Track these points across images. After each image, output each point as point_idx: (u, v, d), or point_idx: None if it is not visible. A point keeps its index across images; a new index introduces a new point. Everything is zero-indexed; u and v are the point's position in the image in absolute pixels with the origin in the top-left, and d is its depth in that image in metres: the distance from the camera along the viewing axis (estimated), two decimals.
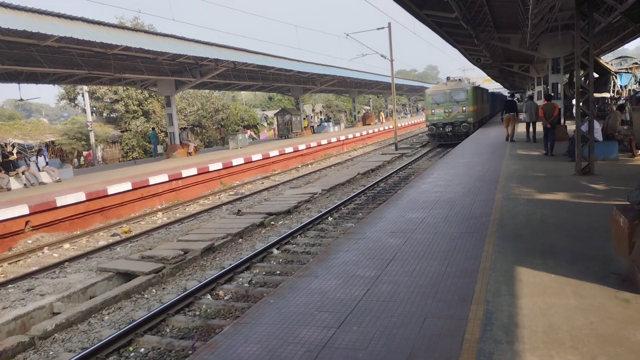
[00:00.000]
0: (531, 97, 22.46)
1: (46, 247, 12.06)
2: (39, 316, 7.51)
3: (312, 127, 45.31)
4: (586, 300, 4.34)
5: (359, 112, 57.53)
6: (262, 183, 21.10)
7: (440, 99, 28.07)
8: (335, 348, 3.92)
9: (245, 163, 22.74)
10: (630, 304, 4.21)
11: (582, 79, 11.25)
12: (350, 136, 37.35)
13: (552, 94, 17.81)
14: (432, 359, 3.61)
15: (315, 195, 15.49)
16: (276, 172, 24.40)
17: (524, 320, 4.04)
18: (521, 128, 23.44)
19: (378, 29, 30.14)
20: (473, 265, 5.53)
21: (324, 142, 31.90)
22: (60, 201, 13.56)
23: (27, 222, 12.75)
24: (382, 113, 65.69)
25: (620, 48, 29.38)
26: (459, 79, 30.40)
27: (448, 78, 30.67)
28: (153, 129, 34.20)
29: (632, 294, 4.39)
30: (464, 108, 27.50)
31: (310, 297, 5.08)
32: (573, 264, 5.26)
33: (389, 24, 29.07)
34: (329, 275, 5.74)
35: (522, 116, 21.63)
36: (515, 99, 24.21)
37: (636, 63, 34.18)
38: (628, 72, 33.88)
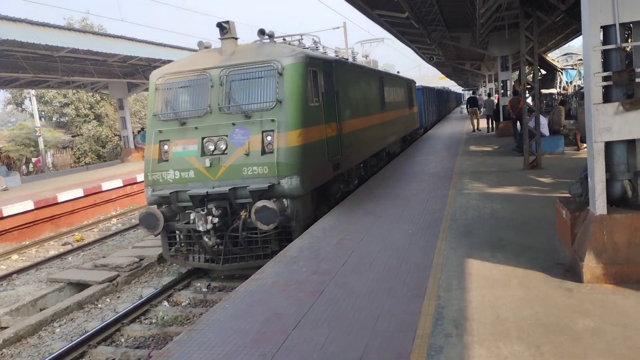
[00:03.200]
0: (489, 95, 25.36)
1: None
2: None
3: None
4: (532, 291, 4.50)
5: None
6: None
7: (193, 105, 8.30)
8: (290, 350, 3.92)
9: None
10: (573, 293, 4.39)
11: (529, 75, 11.66)
12: None
13: (519, 90, 18.53)
14: (385, 355, 3.66)
15: None
16: None
17: (473, 313, 4.15)
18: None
19: (334, 28, 30.33)
20: (426, 261, 5.63)
21: None
22: (7, 210, 12.99)
23: None
24: None
25: (566, 45, 30.61)
26: (266, 36, 8.91)
27: (223, 28, 8.49)
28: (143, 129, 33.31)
29: (575, 283, 4.57)
30: (269, 138, 7.79)
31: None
32: (520, 256, 5.44)
33: (344, 23, 29.30)
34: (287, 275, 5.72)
35: (482, 110, 26.15)
36: (475, 95, 27.16)
37: (581, 59, 35.60)
38: (573, 69, 35.27)
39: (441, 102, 40.96)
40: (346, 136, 10.06)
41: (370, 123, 12.39)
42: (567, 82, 34.26)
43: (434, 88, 35.50)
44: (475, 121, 24.53)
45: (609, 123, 4.47)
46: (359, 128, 11.21)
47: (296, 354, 3.86)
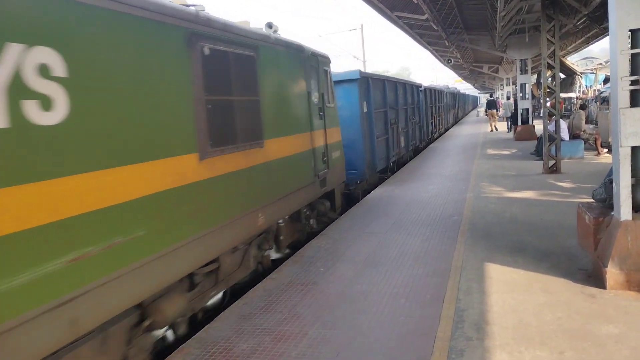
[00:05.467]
0: (508, 97, 27.17)
1: None
2: None
3: None
4: (554, 296, 4.45)
5: None
6: None
7: None
8: (310, 350, 3.92)
9: None
10: (595, 299, 4.33)
11: (549, 79, 11.54)
12: None
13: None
14: (405, 358, 3.64)
15: None
16: None
17: (494, 317, 4.11)
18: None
19: (350, 30, 30.31)
20: (445, 264, 5.60)
21: None
22: None
23: None
24: None
25: (586, 49, 30.18)
26: None
27: None
28: None
29: (598, 289, 4.51)
30: None
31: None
32: (541, 260, 5.38)
33: (361, 25, 29.28)
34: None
35: (501, 112, 28.14)
36: (493, 98, 29.29)
37: (601, 64, 35.15)
38: (593, 73, 34.82)
39: (444, 109, 26.92)
40: None
41: None
42: (586, 86, 33.87)
43: (418, 85, 18.34)
44: (493, 123, 26.11)
45: (636, 127, 4.40)
46: None
47: (316, 354, 3.86)
